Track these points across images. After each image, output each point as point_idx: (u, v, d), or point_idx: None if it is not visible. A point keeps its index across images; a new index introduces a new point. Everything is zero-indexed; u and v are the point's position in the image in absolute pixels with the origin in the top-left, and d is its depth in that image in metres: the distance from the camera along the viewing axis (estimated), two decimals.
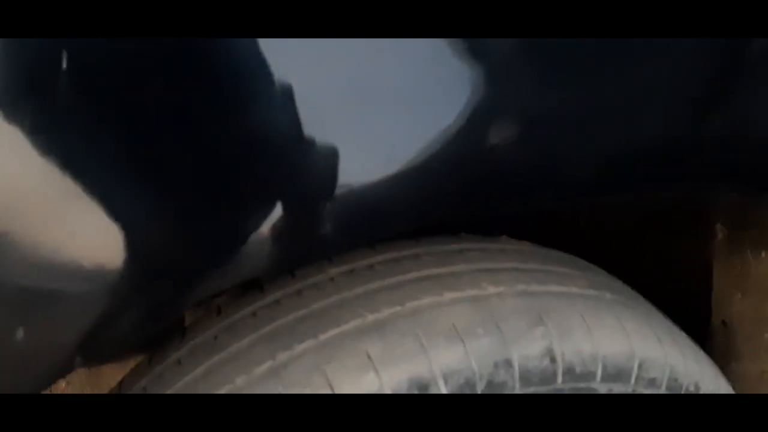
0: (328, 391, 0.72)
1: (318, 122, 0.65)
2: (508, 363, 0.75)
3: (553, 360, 0.76)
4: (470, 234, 0.91)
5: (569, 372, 0.77)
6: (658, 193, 0.98)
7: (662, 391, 0.83)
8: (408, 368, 0.73)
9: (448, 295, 0.79)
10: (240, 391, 0.74)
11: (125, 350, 1.07)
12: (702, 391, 0.88)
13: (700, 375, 0.89)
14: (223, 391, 0.74)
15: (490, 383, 0.74)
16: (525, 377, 0.75)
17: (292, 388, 0.72)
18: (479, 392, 0.74)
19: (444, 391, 0.73)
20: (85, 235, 0.61)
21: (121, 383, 0.86)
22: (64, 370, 0.70)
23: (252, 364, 0.75)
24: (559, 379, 0.77)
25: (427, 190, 0.73)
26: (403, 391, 0.72)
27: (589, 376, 0.78)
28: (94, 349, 0.73)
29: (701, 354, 0.92)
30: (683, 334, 0.93)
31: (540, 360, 0.76)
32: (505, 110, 0.72)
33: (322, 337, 0.76)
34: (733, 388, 0.98)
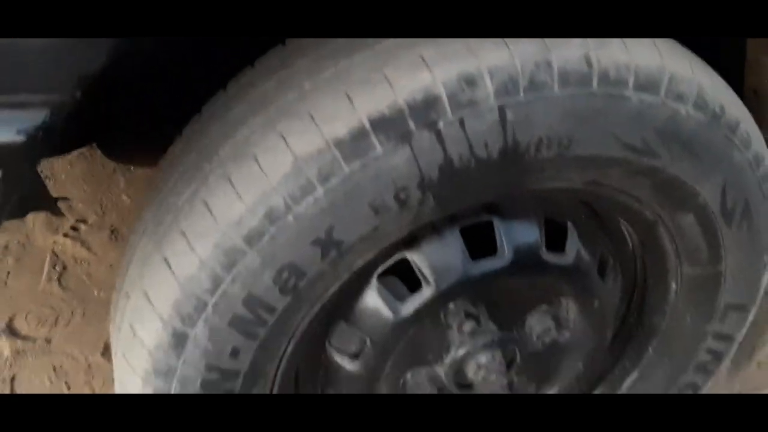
0: (385, 86, 0.80)
1: None
2: (548, 64, 0.82)
3: (589, 65, 0.84)
4: None
5: (604, 77, 0.85)
6: None
7: (689, 107, 0.91)
8: (458, 66, 0.81)
9: None
10: (306, 94, 0.83)
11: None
12: (726, 116, 0.94)
13: (726, 101, 0.95)
14: (290, 95, 0.84)
15: (531, 81, 0.82)
16: (563, 78, 0.83)
17: (353, 86, 0.81)
18: (522, 90, 0.82)
19: (490, 86, 0.81)
20: None
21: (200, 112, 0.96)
22: None
23: (316, 72, 0.84)
24: (595, 82, 0.85)
25: None
26: (453, 84, 0.80)
27: (622, 82, 0.86)
28: None
29: (728, 87, 0.99)
30: (712, 69, 0.99)
31: (578, 64, 0.84)
32: None
33: (379, 46, 0.84)
34: None
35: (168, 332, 0.86)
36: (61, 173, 2.10)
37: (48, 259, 1.84)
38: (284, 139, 0.81)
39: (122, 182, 2.08)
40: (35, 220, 1.92)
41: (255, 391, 0.95)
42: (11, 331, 1.67)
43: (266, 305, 0.86)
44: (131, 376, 0.91)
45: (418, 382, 1.10)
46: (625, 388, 1.29)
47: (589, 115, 0.86)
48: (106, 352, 1.64)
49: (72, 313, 1.73)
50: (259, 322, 0.87)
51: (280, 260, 0.83)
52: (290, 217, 0.81)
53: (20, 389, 1.57)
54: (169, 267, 0.85)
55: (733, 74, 1.23)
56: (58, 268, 1.83)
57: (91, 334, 1.67)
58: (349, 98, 0.80)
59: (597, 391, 1.30)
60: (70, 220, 1.94)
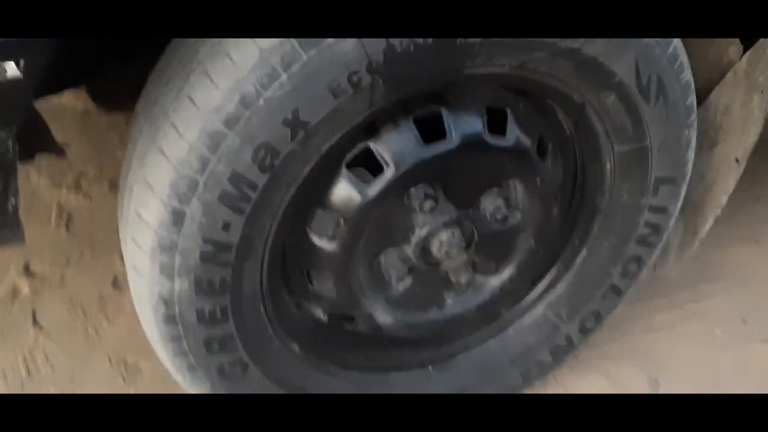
0: None
1: None
2: None
3: None
4: None
5: None
6: None
7: None
8: None
9: None
10: None
11: None
12: None
13: None
14: None
15: None
16: None
17: None
18: None
19: None
20: None
21: None
22: None
23: None
24: None
25: None
26: None
27: None
28: None
29: None
30: None
31: None
32: None
33: None
34: None
35: (168, 210, 1.02)
36: (58, 135, 2.25)
37: (54, 209, 2.00)
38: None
39: (116, 139, 2.23)
40: (39, 176, 2.08)
41: (247, 265, 1.11)
42: (28, 272, 1.84)
43: (248, 182, 1.02)
44: (140, 255, 1.07)
45: (390, 262, 1.27)
46: (577, 264, 1.46)
47: None
48: (116, 283, 1.81)
49: (81, 253, 1.89)
50: (243, 198, 1.03)
51: (257, 140, 0.99)
52: (261, 101, 0.97)
53: (41, 320, 1.73)
54: (164, 155, 1.01)
55: None
56: (64, 217, 1.99)
57: (101, 270, 1.84)
58: None
59: (553, 270, 1.47)
60: (71, 176, 2.10)
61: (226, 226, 1.05)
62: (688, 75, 1.25)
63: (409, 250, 1.26)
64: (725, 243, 1.99)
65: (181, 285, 1.08)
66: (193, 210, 1.02)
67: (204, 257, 1.06)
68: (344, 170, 1.15)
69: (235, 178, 1.01)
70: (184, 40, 1.06)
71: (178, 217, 1.03)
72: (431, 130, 1.16)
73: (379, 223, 1.21)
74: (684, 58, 1.22)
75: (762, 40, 1.35)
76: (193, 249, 1.05)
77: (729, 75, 1.41)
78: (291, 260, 1.23)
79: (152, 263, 1.06)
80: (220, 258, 1.08)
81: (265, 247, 1.12)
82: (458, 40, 1.02)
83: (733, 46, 1.38)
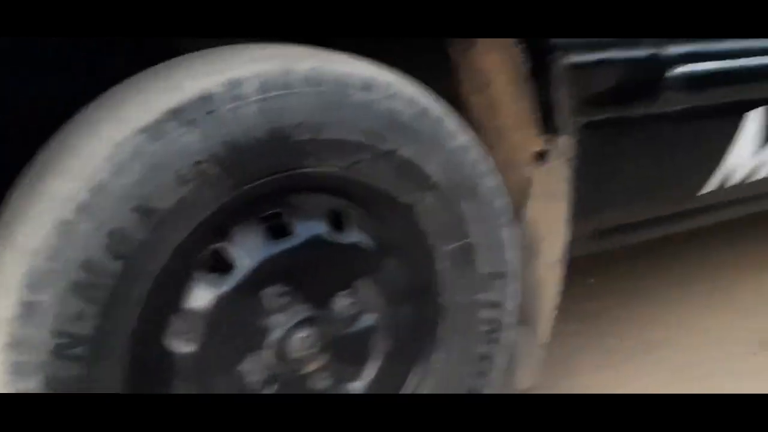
0: (177, 91, 1.12)
1: None
2: (291, 71, 1.19)
3: (321, 72, 1.22)
4: None
5: (330, 81, 1.22)
6: None
7: (403, 103, 1.30)
8: (227, 74, 1.15)
9: None
10: (119, 107, 1.13)
11: None
12: (431, 111, 1.34)
13: (431, 103, 1.36)
14: (109, 109, 1.14)
15: (282, 83, 1.18)
16: (304, 81, 1.20)
17: (155, 94, 1.13)
18: (275, 89, 1.17)
19: (251, 86, 1.15)
20: None
21: None
22: None
23: (130, 91, 1.16)
24: (323, 85, 1.22)
25: None
26: (223, 86, 1.14)
27: (348, 84, 1.24)
28: None
29: (433, 96, 1.39)
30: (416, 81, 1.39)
31: (312, 71, 1.21)
32: None
33: (183, 67, 1.18)
34: None
35: (20, 303, 1.05)
36: None
37: None
38: (106, 133, 1.09)
39: None
40: None
41: (103, 365, 1.12)
42: None
43: (101, 269, 1.08)
44: None
45: (251, 369, 1.30)
46: (434, 368, 1.53)
47: (326, 107, 1.22)
48: None
49: None
50: (96, 287, 1.08)
51: (108, 226, 1.07)
52: (113, 188, 1.07)
53: None
54: (18, 250, 1.06)
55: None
56: None
57: None
58: (151, 101, 1.12)
59: (414, 374, 1.53)
60: None
61: (79, 316, 1.08)
62: (492, 180, 1.47)
63: (269, 354, 1.31)
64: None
65: (34, 384, 1.07)
66: (45, 299, 1.05)
67: (56, 351, 1.07)
68: (195, 273, 1.23)
69: (88, 266, 1.07)
70: (39, 155, 1.17)
71: (30, 309, 1.05)
72: (281, 233, 1.29)
73: (235, 328, 1.26)
74: (484, 165, 1.46)
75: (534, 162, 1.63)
76: (45, 342, 1.06)
77: (531, 194, 1.67)
78: (151, 377, 1.24)
79: (3, 364, 1.06)
80: (72, 352, 1.08)
81: (121, 351, 1.14)
82: (290, 137, 1.19)
83: (529, 167, 1.66)
